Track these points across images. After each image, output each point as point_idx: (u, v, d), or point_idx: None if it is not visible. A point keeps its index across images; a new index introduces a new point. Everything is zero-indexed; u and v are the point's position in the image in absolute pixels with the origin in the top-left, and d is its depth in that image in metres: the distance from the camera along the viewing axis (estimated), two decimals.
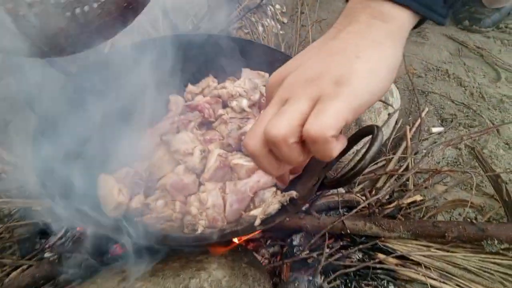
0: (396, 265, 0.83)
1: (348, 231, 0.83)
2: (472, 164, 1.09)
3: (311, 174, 0.62)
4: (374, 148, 0.38)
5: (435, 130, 1.20)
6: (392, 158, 1.06)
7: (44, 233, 0.87)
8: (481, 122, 1.22)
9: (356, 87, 0.35)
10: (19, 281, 0.76)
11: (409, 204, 0.95)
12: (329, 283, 0.80)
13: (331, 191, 0.95)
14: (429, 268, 0.82)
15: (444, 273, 0.81)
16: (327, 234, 0.83)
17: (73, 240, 0.86)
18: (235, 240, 0.76)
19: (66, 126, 0.73)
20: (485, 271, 0.80)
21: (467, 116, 1.24)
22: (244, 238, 0.84)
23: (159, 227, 0.71)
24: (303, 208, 0.89)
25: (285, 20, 1.57)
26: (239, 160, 0.78)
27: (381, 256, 0.84)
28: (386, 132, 1.11)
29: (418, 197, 0.97)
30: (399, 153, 1.07)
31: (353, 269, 0.82)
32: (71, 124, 0.74)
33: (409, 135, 1.11)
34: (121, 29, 0.57)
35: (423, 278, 0.80)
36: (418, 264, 0.83)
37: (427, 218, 0.93)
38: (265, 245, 0.88)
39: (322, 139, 0.34)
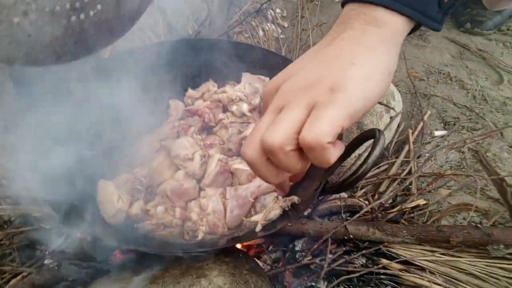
0: (400, 270, 0.82)
1: (351, 236, 0.82)
2: (476, 168, 1.08)
3: (313, 179, 0.62)
4: (376, 152, 0.37)
5: (437, 133, 1.19)
6: (395, 162, 1.05)
7: (44, 240, 0.86)
8: (484, 125, 1.21)
9: (351, 93, 0.35)
10: None
11: (412, 208, 0.94)
12: None
13: (333, 196, 0.94)
14: (434, 274, 0.81)
15: (449, 278, 0.80)
16: (329, 239, 0.82)
17: (73, 247, 0.85)
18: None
19: (65, 131, 0.72)
20: (491, 276, 0.78)
21: (470, 119, 1.23)
22: (245, 244, 0.83)
23: (159, 234, 0.70)
24: (305, 213, 0.89)
25: (286, 24, 1.57)
26: (239, 165, 0.78)
27: (384, 261, 0.83)
28: (388, 136, 1.10)
29: (421, 201, 0.95)
30: (401, 157, 1.06)
31: (357, 274, 0.80)
32: (71, 129, 0.73)
33: (411, 139, 1.10)
34: (118, 37, 0.56)
35: (427, 284, 0.79)
36: (423, 269, 0.82)
37: (431, 222, 0.92)
38: (266, 250, 0.87)
39: (319, 146, 0.34)
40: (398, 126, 1.16)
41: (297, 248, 0.86)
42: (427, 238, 0.80)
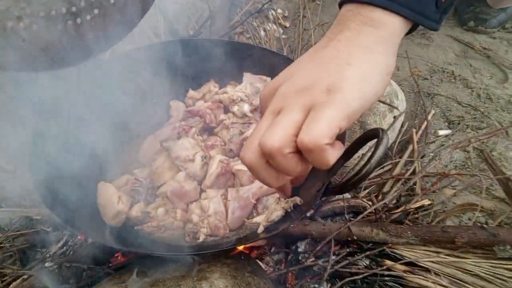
0: (405, 272, 0.81)
1: (355, 237, 0.81)
2: (481, 167, 1.07)
3: (315, 179, 0.61)
4: (380, 152, 0.37)
5: (442, 132, 1.18)
6: (399, 162, 1.04)
7: (45, 242, 0.86)
8: (489, 124, 1.19)
9: (348, 94, 0.35)
10: None
11: (416, 209, 0.93)
12: None
13: (337, 196, 0.93)
14: (439, 275, 0.79)
15: (455, 279, 0.79)
16: (333, 241, 0.81)
17: (74, 250, 0.85)
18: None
19: (65, 133, 0.72)
20: (497, 278, 0.77)
21: (474, 118, 1.22)
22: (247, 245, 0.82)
23: (160, 236, 0.69)
24: (308, 214, 0.88)
25: (287, 24, 1.56)
26: (241, 166, 0.77)
27: (388, 262, 0.82)
28: (391, 136, 1.09)
29: (426, 202, 0.94)
30: (405, 156, 1.05)
31: (360, 276, 0.79)
32: (71, 132, 0.73)
33: (415, 138, 1.09)
34: (117, 42, 0.55)
35: (432, 285, 0.78)
36: (427, 270, 0.80)
37: (435, 223, 0.91)
38: (269, 252, 0.86)
39: (317, 147, 0.34)
40: (402, 126, 1.15)
41: (299, 250, 0.85)
42: (432, 239, 0.79)
